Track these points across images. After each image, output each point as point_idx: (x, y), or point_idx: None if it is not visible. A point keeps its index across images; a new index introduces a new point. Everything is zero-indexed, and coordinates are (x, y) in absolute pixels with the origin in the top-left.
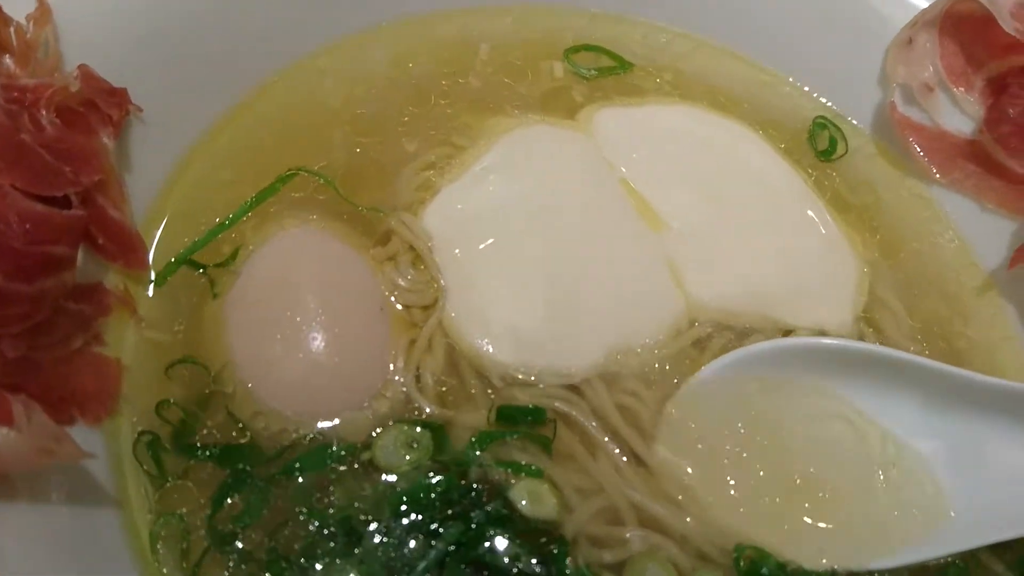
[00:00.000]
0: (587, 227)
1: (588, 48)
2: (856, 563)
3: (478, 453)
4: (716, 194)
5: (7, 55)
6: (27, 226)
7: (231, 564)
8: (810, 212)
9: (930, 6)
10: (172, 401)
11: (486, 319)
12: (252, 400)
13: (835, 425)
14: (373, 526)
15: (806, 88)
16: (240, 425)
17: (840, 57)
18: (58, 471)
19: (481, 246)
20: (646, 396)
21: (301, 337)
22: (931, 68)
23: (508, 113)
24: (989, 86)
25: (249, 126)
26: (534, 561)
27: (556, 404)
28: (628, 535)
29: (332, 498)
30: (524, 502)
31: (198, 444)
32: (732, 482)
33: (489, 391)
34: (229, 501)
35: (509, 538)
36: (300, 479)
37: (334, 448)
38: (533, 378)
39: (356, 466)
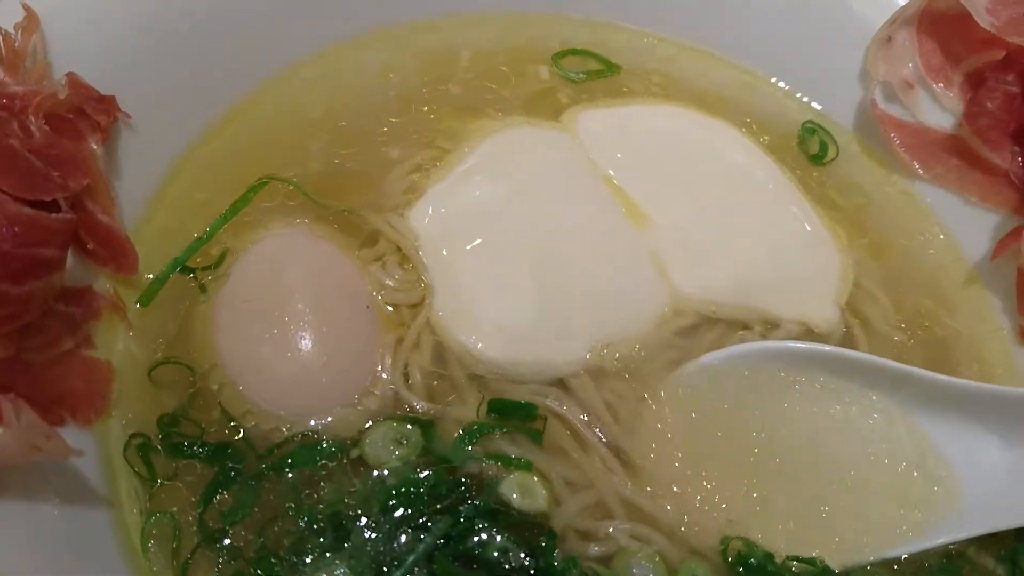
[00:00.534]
0: (571, 224)
1: (575, 52)
2: (846, 555)
3: (468, 448)
4: (700, 190)
5: None
6: (16, 229)
7: (220, 561)
8: (793, 207)
9: (908, 4)
10: (162, 402)
11: (473, 316)
12: (242, 399)
13: (822, 418)
14: (362, 521)
15: (788, 87)
16: (231, 423)
17: (821, 57)
18: (50, 473)
19: (468, 245)
20: (633, 389)
21: (290, 337)
22: (911, 65)
23: (491, 116)
24: (968, 81)
25: (233, 136)
26: (523, 554)
27: (547, 401)
28: (614, 529)
29: (321, 494)
30: (515, 495)
31: (186, 443)
32: (718, 475)
33: (477, 387)
34: (218, 498)
35: (498, 531)
36: (290, 475)
37: (324, 445)
38: (521, 372)
39: (345, 462)
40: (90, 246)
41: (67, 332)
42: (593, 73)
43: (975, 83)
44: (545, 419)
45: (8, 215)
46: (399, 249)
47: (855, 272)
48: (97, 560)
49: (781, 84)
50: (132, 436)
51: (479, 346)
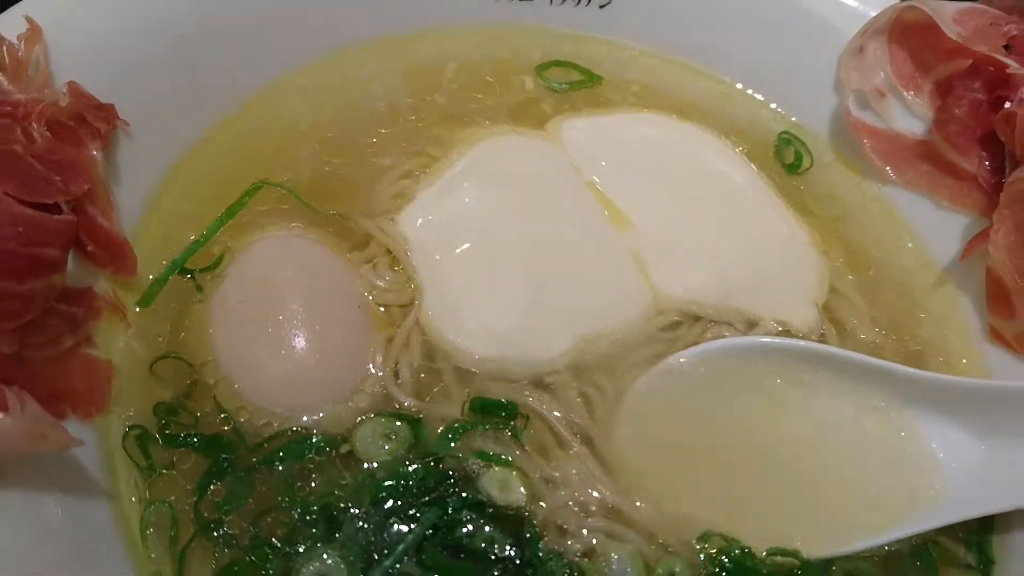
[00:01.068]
0: (555, 228)
1: (558, 64)
2: (824, 547)
3: (451, 444)
4: (680, 194)
5: None
6: (19, 229)
7: (216, 549)
8: (772, 211)
9: (879, 15)
10: (160, 394)
11: (461, 316)
12: (237, 395)
13: (799, 413)
14: (353, 512)
15: (763, 98)
16: (223, 416)
17: (795, 67)
18: (50, 466)
19: (456, 248)
20: (612, 387)
21: (284, 336)
22: (882, 74)
23: (479, 124)
24: (936, 89)
25: (225, 144)
26: (508, 545)
27: (528, 400)
28: (591, 526)
29: (313, 486)
30: (494, 490)
31: (183, 434)
32: (695, 471)
33: (463, 385)
34: (212, 488)
35: (484, 523)
36: (281, 468)
37: (314, 439)
38: (505, 370)
39: (335, 456)
40: (90, 248)
41: (68, 331)
42: (576, 84)
43: (944, 91)
44: (527, 417)
45: (12, 216)
46: (389, 252)
47: (831, 275)
48: (98, 550)
49: (756, 95)
50: (130, 427)
51: (466, 345)
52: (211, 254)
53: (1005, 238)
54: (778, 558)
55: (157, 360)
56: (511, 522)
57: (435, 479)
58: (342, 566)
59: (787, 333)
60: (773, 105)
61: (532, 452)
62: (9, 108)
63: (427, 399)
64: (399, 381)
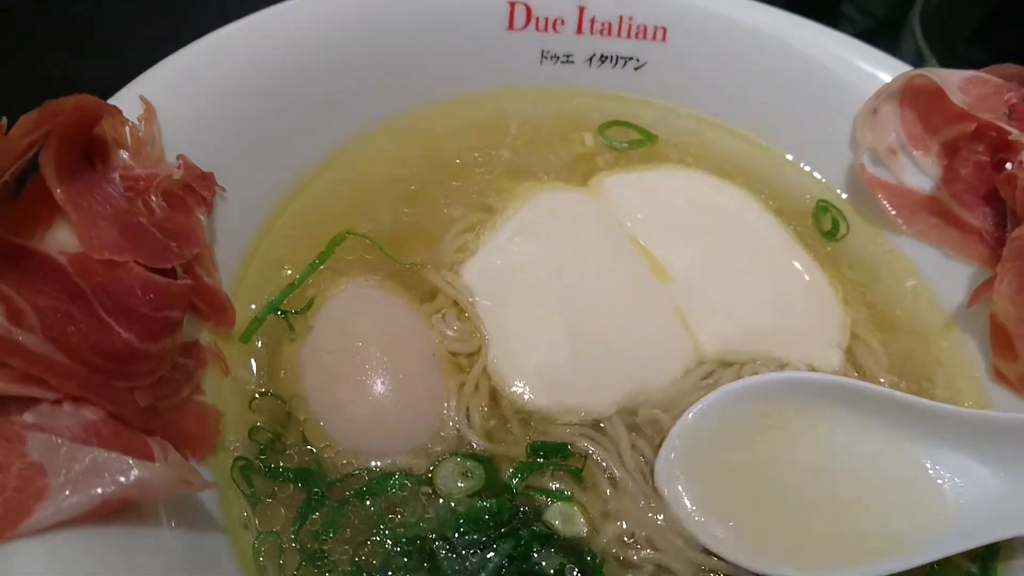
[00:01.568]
0: (603, 280)
1: (618, 124)
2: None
3: (515, 481)
4: (714, 248)
5: (123, 150)
6: (151, 295)
7: None
8: (796, 263)
9: (891, 80)
10: (260, 427)
11: (521, 364)
12: (324, 434)
13: (829, 445)
14: (439, 543)
15: (793, 158)
16: (313, 452)
17: (819, 127)
18: (167, 502)
19: (514, 299)
20: (662, 430)
21: (369, 382)
22: (894, 134)
23: (539, 178)
24: (944, 149)
25: (310, 200)
26: (576, 572)
27: (582, 443)
28: (645, 557)
29: (401, 519)
30: (558, 522)
31: (280, 466)
32: (735, 503)
33: (525, 427)
34: (310, 520)
35: (554, 552)
36: (370, 502)
37: (398, 476)
38: (564, 415)
39: (420, 493)
40: (198, 305)
41: (185, 381)
42: (635, 143)
43: (950, 151)
44: (585, 457)
45: (145, 283)
46: (456, 303)
47: (850, 319)
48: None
49: (790, 157)
50: (236, 459)
51: (527, 392)
52: (304, 296)
53: (1008, 288)
54: None
55: (254, 398)
56: (575, 552)
57: (508, 513)
58: None
59: None
60: (806, 168)
61: (590, 488)
62: (132, 183)
63: (495, 440)
64: (471, 423)
